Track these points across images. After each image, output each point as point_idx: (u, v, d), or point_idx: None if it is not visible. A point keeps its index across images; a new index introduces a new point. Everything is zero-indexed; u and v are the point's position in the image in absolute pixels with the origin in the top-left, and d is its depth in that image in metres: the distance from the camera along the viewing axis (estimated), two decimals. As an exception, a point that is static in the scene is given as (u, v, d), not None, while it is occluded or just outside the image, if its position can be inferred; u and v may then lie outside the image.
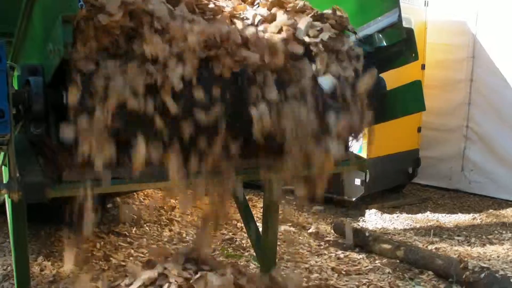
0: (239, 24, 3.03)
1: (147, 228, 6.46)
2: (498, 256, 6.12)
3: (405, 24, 3.35)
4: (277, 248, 4.87)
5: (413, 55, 3.33)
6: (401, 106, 3.44)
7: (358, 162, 3.59)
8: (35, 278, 4.94)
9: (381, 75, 3.44)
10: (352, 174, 7.68)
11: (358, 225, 7.20)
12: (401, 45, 3.34)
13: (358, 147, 6.59)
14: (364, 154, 7.31)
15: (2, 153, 2.99)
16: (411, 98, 3.40)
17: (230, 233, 6.47)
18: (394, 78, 3.65)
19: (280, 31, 3.13)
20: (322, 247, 6.26)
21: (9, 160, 2.56)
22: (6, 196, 2.89)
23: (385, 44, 3.39)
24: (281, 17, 3.20)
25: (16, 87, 2.65)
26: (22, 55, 3.16)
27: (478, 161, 9.06)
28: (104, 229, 6.20)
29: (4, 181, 2.71)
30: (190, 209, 7.09)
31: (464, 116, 9.11)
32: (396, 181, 8.75)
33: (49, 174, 2.60)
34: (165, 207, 7.14)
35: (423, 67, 8.51)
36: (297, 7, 3.31)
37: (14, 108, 2.51)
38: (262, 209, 4.65)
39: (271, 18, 3.21)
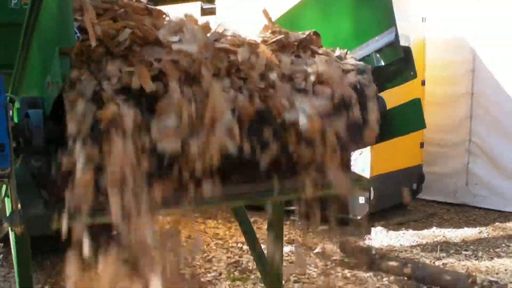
0: None
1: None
2: (506, 270, 6.09)
3: (403, 42, 3.36)
4: (283, 269, 4.85)
5: (412, 73, 3.33)
6: (401, 125, 3.45)
7: (360, 183, 3.58)
8: (41, 309, 4.94)
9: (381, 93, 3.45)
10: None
11: (364, 243, 7.17)
12: (399, 63, 3.35)
13: (362, 165, 6.61)
14: (367, 172, 7.32)
15: (4, 185, 2.99)
16: (411, 117, 3.41)
17: (236, 256, 6.46)
18: (394, 95, 3.65)
19: None
20: (328, 266, 6.23)
21: (10, 193, 2.56)
22: (9, 229, 2.88)
23: (383, 63, 3.40)
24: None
25: (16, 120, 2.65)
26: (22, 87, 3.16)
27: (482, 175, 9.04)
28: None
29: (7, 214, 2.71)
30: (195, 233, 7.08)
31: (467, 130, 9.11)
32: (401, 197, 8.70)
33: (52, 206, 2.59)
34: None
35: (423, 83, 8.52)
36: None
37: (14, 141, 2.51)
38: (266, 231, 4.64)
39: None
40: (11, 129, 2.44)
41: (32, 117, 2.49)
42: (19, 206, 2.51)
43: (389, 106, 3.48)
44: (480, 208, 9.06)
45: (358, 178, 3.53)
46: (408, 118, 3.42)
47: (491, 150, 8.93)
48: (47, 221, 2.50)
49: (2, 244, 6.19)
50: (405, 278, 5.75)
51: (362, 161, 7.14)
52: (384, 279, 5.78)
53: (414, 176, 8.81)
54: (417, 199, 9.28)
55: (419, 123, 3.38)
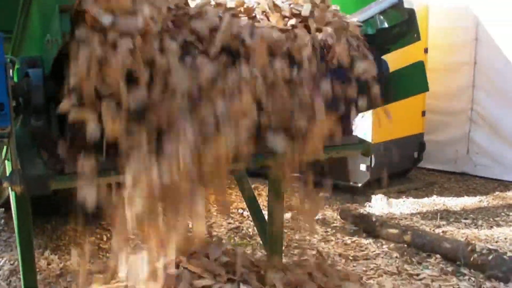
0: None
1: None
2: (505, 238, 6.11)
3: (406, 6, 3.32)
4: (284, 235, 4.86)
5: (415, 35, 3.30)
6: (404, 88, 3.42)
7: (362, 145, 3.55)
8: (42, 272, 4.96)
9: (384, 57, 3.42)
10: (357, 160, 7.66)
11: (365, 210, 7.19)
12: (403, 26, 3.32)
13: (363, 132, 6.57)
14: (368, 139, 7.29)
15: (5, 147, 2.98)
16: (414, 79, 3.38)
17: (237, 222, 6.48)
18: (397, 62, 3.61)
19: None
20: (329, 233, 6.26)
21: (10, 153, 2.55)
22: (9, 190, 2.88)
23: (386, 25, 3.36)
24: None
25: (16, 80, 2.64)
26: (22, 50, 3.14)
27: (484, 144, 9.04)
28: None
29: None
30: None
31: (469, 99, 9.08)
32: (402, 165, 8.72)
33: (51, 166, 2.59)
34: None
35: (426, 50, 8.45)
36: None
37: (14, 100, 2.50)
38: (267, 197, 4.64)
39: None
40: (10, 88, 2.43)
41: (32, 76, 2.48)
42: (18, 166, 2.50)
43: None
44: (481, 177, 9.08)
45: (360, 142, 3.50)
46: (411, 80, 3.39)
47: (492, 119, 8.90)
48: (46, 181, 2.49)
49: (3, 209, 6.21)
50: (405, 245, 5.76)
51: (363, 129, 7.11)
52: (384, 246, 5.81)
53: (415, 145, 8.79)
54: (418, 168, 9.30)
55: (422, 86, 3.35)
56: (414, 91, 3.56)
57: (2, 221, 6.28)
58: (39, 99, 2.46)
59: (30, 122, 2.54)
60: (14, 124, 2.58)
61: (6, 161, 3.04)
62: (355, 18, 3.36)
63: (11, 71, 2.55)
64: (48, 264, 5.17)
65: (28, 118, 2.55)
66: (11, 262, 5.13)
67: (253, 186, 5.62)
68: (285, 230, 5.12)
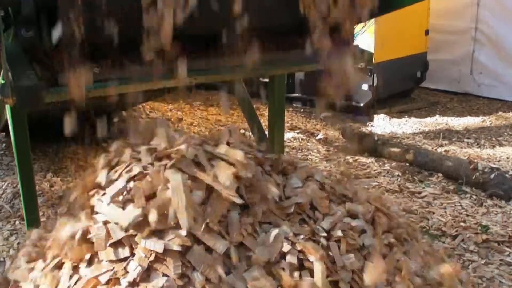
0: None
1: (154, 141, 6.42)
2: (507, 157, 6.11)
3: None
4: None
5: None
6: None
7: (363, 55, 3.47)
8: (45, 194, 4.96)
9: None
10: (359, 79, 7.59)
11: (367, 129, 7.17)
12: None
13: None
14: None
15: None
16: None
17: (238, 142, 6.45)
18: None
19: None
20: (331, 152, 6.24)
21: (2, 66, 2.48)
22: (6, 107, 2.83)
23: None
24: None
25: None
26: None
27: (487, 64, 8.94)
28: (111, 143, 6.17)
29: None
30: (197, 120, 7.08)
31: (473, 17, 8.92)
32: (404, 85, 8.65)
33: (45, 79, 2.52)
34: (172, 119, 7.10)
35: (429, -33, 8.26)
36: None
37: (2, 10, 2.42)
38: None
39: None
40: None
41: None
42: (10, 78, 2.43)
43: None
44: (484, 97, 9.05)
45: (360, 52, 3.42)
46: None
47: (497, 39, 8.77)
48: (39, 93, 2.43)
49: (4, 133, 6.19)
50: (407, 163, 5.76)
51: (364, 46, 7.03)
52: (386, 164, 5.80)
53: (418, 64, 8.69)
54: (421, 87, 9.24)
55: None
56: (416, -3, 3.46)
57: (4, 145, 6.26)
58: (28, 7, 2.38)
59: (20, 33, 2.46)
60: (6, 38, 2.51)
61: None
62: None
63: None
64: (51, 186, 5.17)
65: (19, 29, 2.47)
66: (14, 185, 5.14)
67: (254, 106, 5.56)
68: (286, 150, 5.10)
